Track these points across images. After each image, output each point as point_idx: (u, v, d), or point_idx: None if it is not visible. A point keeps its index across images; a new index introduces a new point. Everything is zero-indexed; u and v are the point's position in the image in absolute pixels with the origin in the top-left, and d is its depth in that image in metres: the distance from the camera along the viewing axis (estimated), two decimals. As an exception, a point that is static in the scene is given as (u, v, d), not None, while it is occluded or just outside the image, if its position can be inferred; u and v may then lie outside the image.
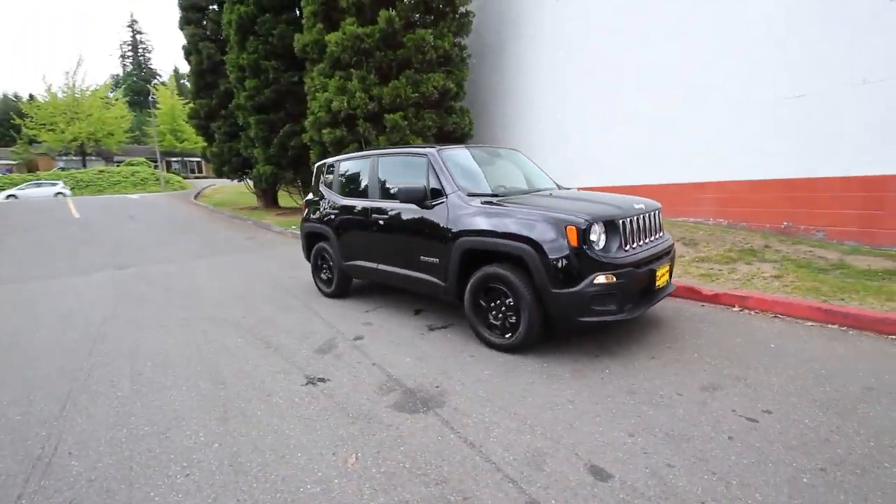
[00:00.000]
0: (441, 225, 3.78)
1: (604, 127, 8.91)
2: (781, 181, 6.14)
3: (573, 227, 3.08)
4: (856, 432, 2.28)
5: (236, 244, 10.22)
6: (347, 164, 5.09)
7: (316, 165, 5.69)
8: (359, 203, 4.72)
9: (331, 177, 5.30)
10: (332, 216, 5.05)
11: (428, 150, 4.12)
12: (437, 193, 3.90)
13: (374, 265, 4.61)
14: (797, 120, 5.89)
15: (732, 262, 5.44)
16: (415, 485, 2.05)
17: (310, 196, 5.67)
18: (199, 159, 48.54)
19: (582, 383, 2.92)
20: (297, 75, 13.01)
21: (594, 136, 9.22)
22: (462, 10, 11.09)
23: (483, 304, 3.58)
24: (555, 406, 2.66)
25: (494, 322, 3.51)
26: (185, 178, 41.78)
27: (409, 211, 4.09)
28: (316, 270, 5.54)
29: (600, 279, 3.07)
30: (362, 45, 10.12)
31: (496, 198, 3.74)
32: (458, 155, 4.16)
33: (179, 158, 46.12)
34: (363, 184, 4.75)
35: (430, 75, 10.30)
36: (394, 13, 10.01)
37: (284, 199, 21.26)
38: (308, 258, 5.73)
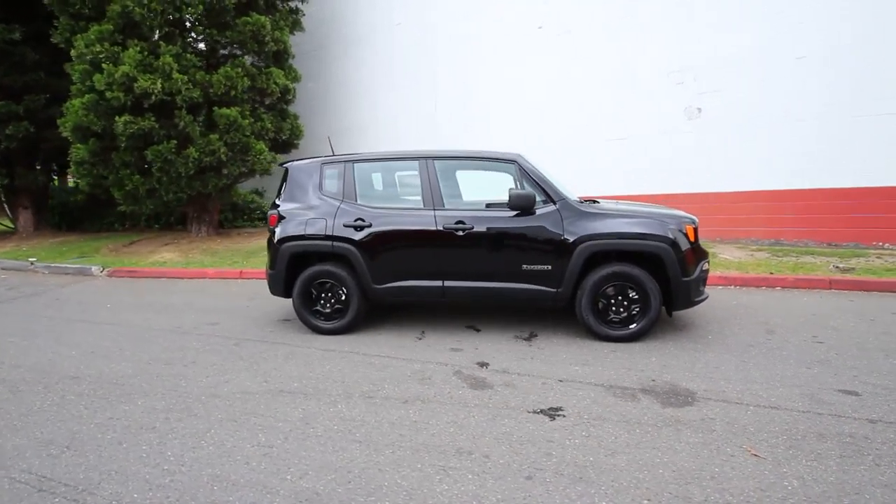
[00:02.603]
0: (556, 231, 3.76)
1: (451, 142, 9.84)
2: (615, 197, 8.56)
3: (691, 226, 3.78)
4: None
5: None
6: (373, 166, 4.14)
7: (295, 166, 4.28)
8: (415, 213, 3.98)
9: (336, 181, 4.15)
10: (356, 230, 4.00)
11: (513, 155, 3.98)
12: (532, 200, 3.86)
13: (436, 283, 3.96)
14: (622, 155, 8.39)
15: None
16: (830, 447, 2.31)
17: (284, 206, 4.23)
18: None
19: (740, 350, 3.56)
20: (19, 30, 8.44)
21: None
22: (293, 4, 9.94)
23: (603, 301, 3.81)
24: (768, 365, 3.24)
25: (617, 316, 3.81)
26: None
27: (508, 219, 3.83)
28: (307, 303, 4.17)
29: (704, 266, 3.89)
30: (179, 16, 7.72)
31: (589, 203, 4.02)
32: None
33: None
34: (411, 191, 4.01)
35: (270, 69, 8.84)
36: (223, -13, 8.10)
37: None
38: (281, 290, 4.24)
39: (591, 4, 8.48)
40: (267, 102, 9.73)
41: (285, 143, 10.25)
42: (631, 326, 3.79)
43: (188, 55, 7.96)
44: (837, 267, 6.08)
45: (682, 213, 4.07)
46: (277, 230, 4.20)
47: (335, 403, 2.90)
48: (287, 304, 5.20)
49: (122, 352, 3.95)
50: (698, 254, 3.85)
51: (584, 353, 3.62)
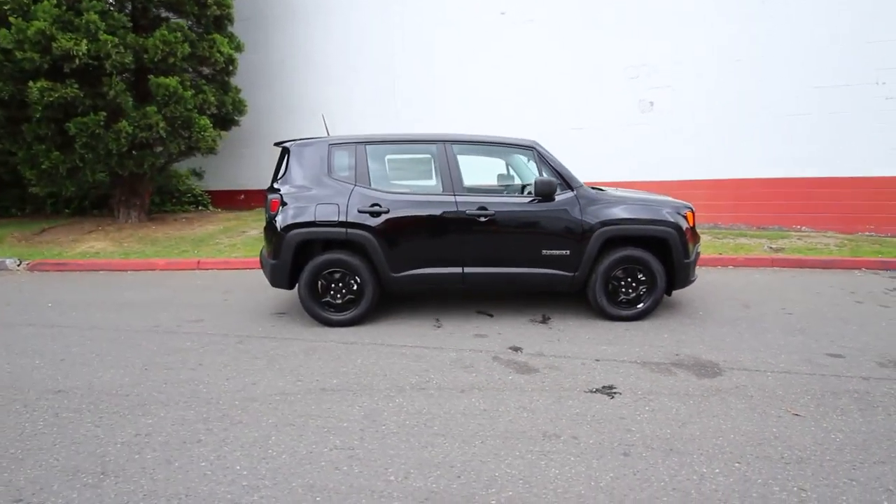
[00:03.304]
0: (575, 217, 3.87)
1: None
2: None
3: (690, 212, 4.10)
4: None
5: None
6: (387, 149, 3.91)
7: (297, 147, 3.91)
8: (435, 199, 3.85)
9: (347, 164, 3.87)
10: (373, 216, 3.78)
11: (531, 141, 4.01)
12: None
13: (456, 270, 3.90)
14: (579, 145, 8.78)
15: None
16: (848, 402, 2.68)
17: (287, 190, 3.87)
18: None
19: (730, 324, 3.95)
20: None
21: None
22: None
23: (614, 284, 4.01)
24: (760, 336, 3.63)
25: (626, 297, 4.04)
26: None
27: (529, 205, 3.87)
28: (315, 294, 3.89)
29: (698, 248, 4.25)
30: (104, -36, 6.60)
31: (599, 190, 4.19)
32: (545, 148, 4.23)
33: None
34: (427, 175, 3.86)
35: (213, 36, 7.94)
36: (155, -64, 7.05)
37: None
38: (286, 282, 3.91)
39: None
40: (206, 73, 8.75)
41: (225, 118, 9.34)
42: (639, 306, 4.05)
43: (116, 14, 6.87)
44: (771, 247, 6.98)
45: (678, 200, 4.40)
46: (280, 216, 3.84)
47: (391, 398, 2.78)
48: (277, 296, 4.86)
49: (102, 358, 3.41)
50: (695, 237, 4.20)
51: (602, 333, 3.82)
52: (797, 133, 7.75)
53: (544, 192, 3.80)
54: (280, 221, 3.84)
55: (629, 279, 4.03)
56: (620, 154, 8.63)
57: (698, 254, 4.29)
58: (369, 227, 3.81)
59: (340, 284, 3.95)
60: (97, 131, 6.70)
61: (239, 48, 9.00)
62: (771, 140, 7.88)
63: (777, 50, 7.67)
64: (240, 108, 9.28)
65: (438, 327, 3.99)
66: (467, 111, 9.36)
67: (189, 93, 7.46)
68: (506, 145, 4.13)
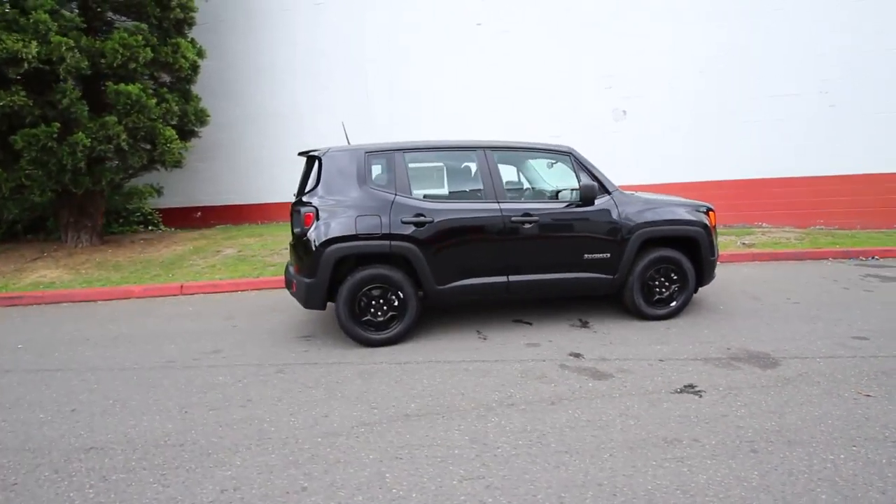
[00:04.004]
0: (615, 220, 3.92)
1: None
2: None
3: (712, 211, 4.29)
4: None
5: None
6: (426, 156, 3.76)
7: (331, 156, 3.62)
8: (480, 206, 3.74)
9: (386, 173, 3.65)
10: (417, 226, 3.58)
11: (567, 147, 4.03)
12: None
13: (501, 279, 3.81)
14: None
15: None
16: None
17: (322, 202, 3.56)
18: None
19: (754, 315, 4.17)
20: None
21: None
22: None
23: (648, 284, 4.10)
24: (787, 325, 3.85)
25: (660, 296, 4.14)
26: None
27: (571, 210, 3.87)
28: (354, 313, 3.60)
29: (717, 246, 4.46)
30: (52, -42, 5.85)
31: (632, 194, 4.28)
32: (574, 153, 4.26)
33: None
34: (467, 182, 3.74)
35: (177, 40, 7.31)
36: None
37: None
38: (321, 301, 3.61)
39: (529, 5, 8.92)
40: (165, 80, 8.03)
41: (184, 129, 8.59)
42: (672, 304, 4.18)
43: (66, 13, 6.11)
44: (743, 244, 7.53)
45: (697, 200, 4.61)
46: (315, 231, 3.54)
47: (485, 418, 2.62)
48: (291, 318, 4.55)
49: (124, 404, 2.93)
50: (716, 235, 4.42)
51: (646, 333, 3.87)
52: (750, 139, 8.49)
53: (588, 197, 3.82)
54: (316, 236, 3.54)
55: (662, 279, 4.16)
56: (596, 161, 8.98)
57: (718, 251, 4.52)
58: (414, 238, 3.62)
59: (381, 301, 3.71)
60: (49, 144, 5.87)
61: (201, 54, 8.37)
62: (731, 145, 8.56)
63: (739, 62, 8.37)
64: (202, 118, 8.59)
65: (484, 339, 3.86)
66: (445, 120, 9.33)
67: (153, 101, 6.78)
68: (543, 150, 4.12)
